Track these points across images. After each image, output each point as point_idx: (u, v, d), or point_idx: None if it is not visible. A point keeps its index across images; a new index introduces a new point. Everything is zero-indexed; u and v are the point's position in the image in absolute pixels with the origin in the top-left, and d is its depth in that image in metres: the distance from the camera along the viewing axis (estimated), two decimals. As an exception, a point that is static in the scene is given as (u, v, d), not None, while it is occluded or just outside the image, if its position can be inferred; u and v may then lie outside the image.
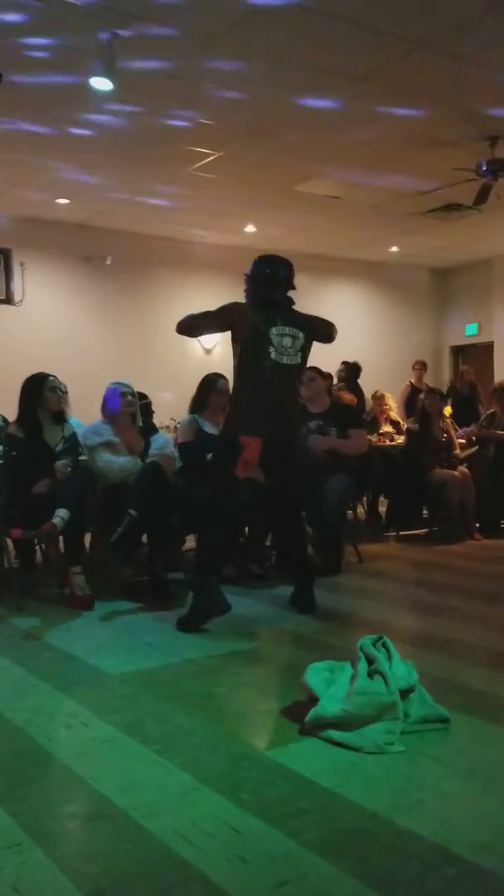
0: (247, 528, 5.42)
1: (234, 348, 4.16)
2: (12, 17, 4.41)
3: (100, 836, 2.05)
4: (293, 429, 4.34)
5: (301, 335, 4.15)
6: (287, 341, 4.08)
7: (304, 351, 4.19)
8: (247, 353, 4.07)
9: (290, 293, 4.26)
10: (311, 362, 4.76)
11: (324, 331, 4.38)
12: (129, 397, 4.98)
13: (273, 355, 4.03)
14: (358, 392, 8.18)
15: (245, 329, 4.05)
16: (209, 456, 4.68)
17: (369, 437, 6.90)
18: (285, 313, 4.16)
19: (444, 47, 4.86)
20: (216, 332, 4.46)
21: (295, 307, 4.24)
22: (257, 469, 4.14)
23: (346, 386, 8.19)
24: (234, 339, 4.15)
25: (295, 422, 4.37)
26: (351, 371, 8.48)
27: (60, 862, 1.91)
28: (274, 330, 4.05)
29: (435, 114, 5.90)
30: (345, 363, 8.54)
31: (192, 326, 4.28)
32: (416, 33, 4.69)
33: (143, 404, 5.65)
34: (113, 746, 2.58)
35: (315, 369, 5.50)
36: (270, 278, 4.18)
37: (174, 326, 4.28)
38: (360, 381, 8.54)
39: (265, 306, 4.13)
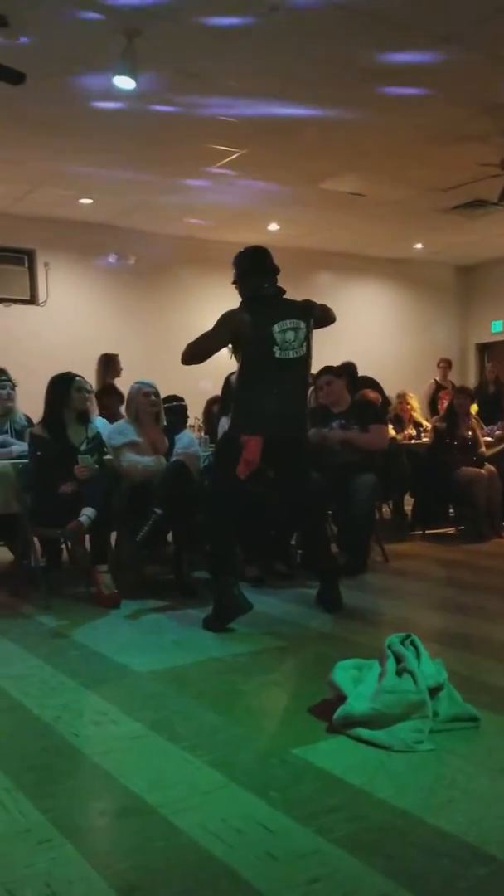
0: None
1: (236, 353, 4.12)
2: (36, 15, 4.42)
3: (129, 832, 2.06)
4: (303, 425, 4.33)
5: (302, 324, 4.09)
6: (290, 335, 4.04)
7: (308, 340, 4.14)
8: (251, 355, 4.04)
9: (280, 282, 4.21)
10: (326, 362, 4.73)
11: (321, 315, 4.28)
12: (153, 397, 4.99)
13: (278, 353, 4.00)
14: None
15: (247, 333, 4.01)
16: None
17: (396, 435, 6.87)
18: (282, 306, 4.12)
19: (468, 42, 4.82)
20: (224, 346, 4.16)
21: (287, 295, 4.19)
22: (265, 466, 4.13)
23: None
24: (235, 346, 4.10)
25: (304, 418, 4.37)
26: (346, 373, 8.37)
27: (91, 858, 1.92)
28: (276, 327, 4.01)
29: (459, 109, 5.86)
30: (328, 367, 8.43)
31: (199, 352, 4.14)
32: (439, 28, 4.66)
33: (180, 406, 5.68)
34: (141, 743, 2.59)
35: (330, 371, 5.48)
36: (258, 269, 4.16)
37: (199, 324, 4.26)
38: (386, 379, 8.40)
39: (261, 303, 4.10)
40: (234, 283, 4.25)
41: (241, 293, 4.22)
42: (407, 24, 4.61)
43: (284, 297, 4.18)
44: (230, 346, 4.13)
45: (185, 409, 5.82)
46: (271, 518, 5.15)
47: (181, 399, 5.78)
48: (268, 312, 4.06)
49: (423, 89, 5.51)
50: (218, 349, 4.13)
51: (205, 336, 4.12)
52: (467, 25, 4.63)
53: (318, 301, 4.31)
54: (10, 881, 1.83)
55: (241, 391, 4.15)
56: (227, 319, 4.07)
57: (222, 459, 4.20)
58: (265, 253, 4.24)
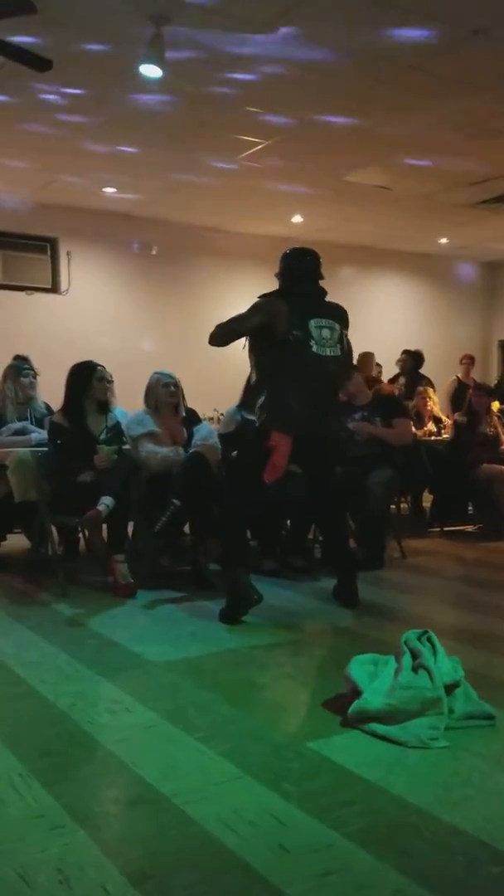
0: (288, 521, 5.40)
1: (267, 345, 4.04)
2: (63, 1, 4.41)
3: (142, 820, 2.06)
4: (334, 421, 4.31)
5: (337, 326, 4.07)
6: (326, 332, 4.00)
7: (342, 341, 4.09)
8: (287, 347, 3.96)
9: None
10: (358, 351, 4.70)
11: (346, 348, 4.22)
12: (172, 387, 4.99)
13: (315, 348, 3.95)
14: (420, 381, 8.01)
15: (283, 323, 3.95)
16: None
17: (416, 431, 6.83)
18: (321, 304, 4.09)
19: (499, 34, 4.77)
20: (253, 332, 4.06)
21: (328, 298, 4.17)
22: (292, 466, 4.10)
23: (410, 376, 8.08)
24: (268, 337, 4.01)
25: (335, 415, 4.34)
26: (415, 360, 8.32)
27: (103, 845, 1.92)
28: (313, 322, 3.97)
29: (488, 102, 5.80)
30: (407, 352, 8.39)
31: (228, 333, 4.11)
32: (472, 20, 4.61)
33: None
34: (156, 733, 2.59)
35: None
36: (301, 271, 4.15)
37: (220, 315, 4.22)
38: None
39: (299, 296, 4.06)
40: (276, 274, 4.22)
41: (281, 285, 4.19)
42: (438, 17, 4.56)
43: (321, 296, 4.15)
44: (247, 337, 4.10)
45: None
46: (289, 511, 5.14)
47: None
48: (305, 306, 4.01)
49: (452, 83, 5.45)
50: (247, 333, 4.05)
51: (236, 318, 4.07)
52: (500, 17, 4.57)
53: (343, 295, 4.28)
54: (23, 865, 1.83)
55: (275, 385, 4.04)
56: (262, 304, 4.01)
57: (247, 454, 4.17)
58: (316, 258, 4.20)
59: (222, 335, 4.13)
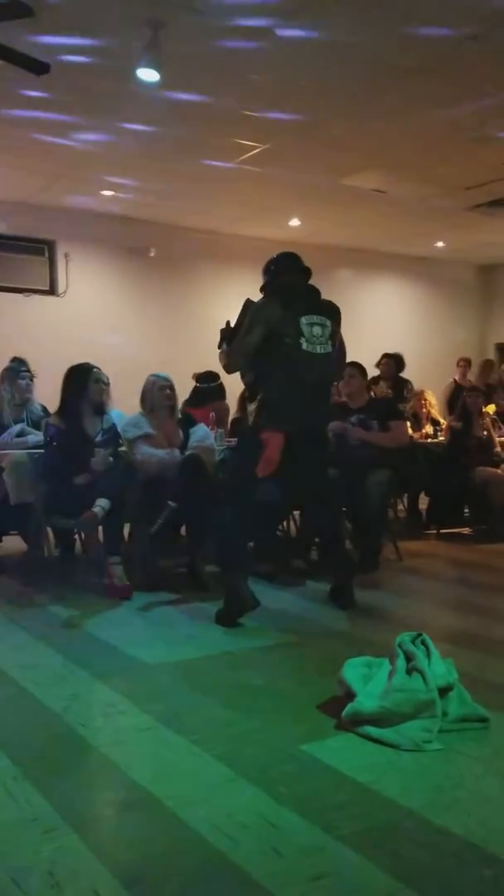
0: (284, 524, 5.41)
1: (260, 345, 4.01)
2: (59, 3, 4.41)
3: (135, 823, 2.06)
4: (325, 419, 4.31)
5: (329, 322, 4.04)
6: (317, 330, 3.98)
7: (334, 339, 4.07)
8: (278, 346, 3.94)
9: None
10: (350, 356, 4.72)
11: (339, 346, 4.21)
12: (168, 390, 4.99)
13: (305, 346, 3.93)
14: (404, 385, 8.02)
15: (276, 324, 3.94)
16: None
17: (413, 434, 6.84)
18: (313, 302, 4.08)
19: (495, 40, 4.78)
20: (260, 340, 4.00)
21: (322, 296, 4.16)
22: (283, 465, 4.10)
23: (393, 380, 8.07)
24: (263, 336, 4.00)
25: (327, 413, 4.34)
26: (397, 364, 8.31)
27: (95, 848, 1.92)
28: (303, 319, 3.95)
29: (484, 107, 5.81)
30: (388, 355, 8.37)
31: (244, 355, 4.06)
32: (467, 26, 4.62)
33: (216, 386, 5.75)
34: (150, 735, 2.59)
35: (355, 366, 5.46)
36: (285, 263, 4.18)
37: (218, 318, 4.21)
38: (406, 376, 8.39)
39: (289, 294, 4.04)
40: (261, 289, 4.19)
41: (267, 279, 4.18)
42: (434, 22, 4.57)
43: (313, 294, 4.14)
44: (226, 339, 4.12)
45: (221, 386, 5.88)
46: (287, 515, 5.14)
47: (217, 377, 5.84)
48: (296, 303, 4.00)
49: (449, 87, 5.47)
50: (257, 346, 3.99)
51: (244, 341, 4.01)
52: (495, 23, 4.58)
53: (340, 297, 4.27)
54: (15, 869, 1.83)
55: (266, 384, 4.03)
56: (258, 312, 3.98)
57: (245, 455, 4.16)
58: (294, 260, 4.23)
59: (240, 361, 4.11)
